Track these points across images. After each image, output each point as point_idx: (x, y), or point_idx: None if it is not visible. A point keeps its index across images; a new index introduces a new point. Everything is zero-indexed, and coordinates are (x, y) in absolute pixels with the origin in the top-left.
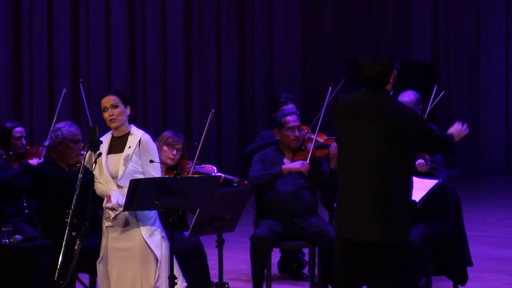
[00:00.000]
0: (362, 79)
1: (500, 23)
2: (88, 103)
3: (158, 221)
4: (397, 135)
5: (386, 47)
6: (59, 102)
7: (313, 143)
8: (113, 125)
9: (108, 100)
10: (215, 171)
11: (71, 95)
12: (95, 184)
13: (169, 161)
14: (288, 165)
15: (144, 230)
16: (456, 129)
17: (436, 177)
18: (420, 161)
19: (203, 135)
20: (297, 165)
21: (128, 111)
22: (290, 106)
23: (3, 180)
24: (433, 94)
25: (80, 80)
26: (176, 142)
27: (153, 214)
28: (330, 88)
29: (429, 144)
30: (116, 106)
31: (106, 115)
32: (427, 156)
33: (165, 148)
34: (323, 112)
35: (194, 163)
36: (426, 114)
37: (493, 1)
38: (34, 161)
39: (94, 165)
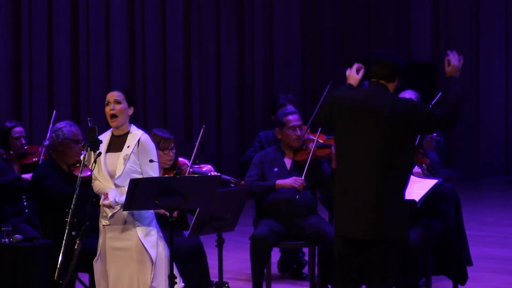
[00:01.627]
0: (372, 74)
1: (500, 23)
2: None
3: (154, 221)
4: (399, 130)
5: (398, 53)
6: (51, 123)
7: (314, 143)
8: (113, 121)
9: (113, 95)
10: (212, 171)
11: (71, 95)
12: (93, 182)
13: (169, 163)
14: (282, 181)
15: (140, 230)
16: (454, 64)
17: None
18: (416, 169)
19: (194, 150)
20: (290, 181)
21: (130, 111)
22: (289, 108)
23: None
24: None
25: (89, 118)
26: (168, 144)
27: (149, 214)
28: (328, 86)
29: (435, 125)
30: (119, 102)
31: (107, 109)
32: (424, 165)
33: (159, 153)
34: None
35: (191, 163)
36: None
37: (493, 1)
38: (27, 176)
39: (94, 164)
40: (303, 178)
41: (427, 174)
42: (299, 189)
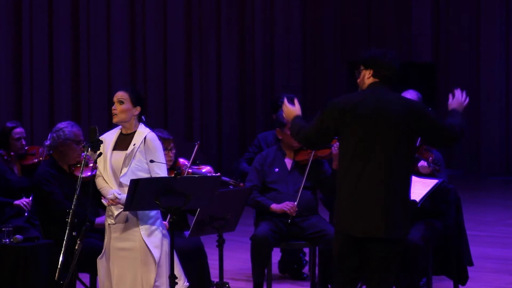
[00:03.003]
0: (377, 77)
1: (500, 23)
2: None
3: (159, 221)
4: (406, 130)
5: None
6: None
7: None
8: (113, 119)
9: (117, 95)
10: (212, 172)
11: (71, 95)
12: (97, 177)
13: (169, 163)
14: (276, 206)
15: (143, 230)
16: (458, 100)
17: (437, 177)
18: (422, 163)
19: (194, 151)
20: (282, 206)
21: (136, 111)
22: None
23: None
24: None
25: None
26: (167, 145)
27: (154, 213)
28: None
29: (438, 138)
30: (122, 102)
31: (112, 108)
32: (430, 158)
33: None
34: None
35: (190, 164)
36: None
37: (493, 1)
38: (19, 201)
39: (94, 165)
40: (295, 204)
41: (433, 167)
42: (290, 214)
